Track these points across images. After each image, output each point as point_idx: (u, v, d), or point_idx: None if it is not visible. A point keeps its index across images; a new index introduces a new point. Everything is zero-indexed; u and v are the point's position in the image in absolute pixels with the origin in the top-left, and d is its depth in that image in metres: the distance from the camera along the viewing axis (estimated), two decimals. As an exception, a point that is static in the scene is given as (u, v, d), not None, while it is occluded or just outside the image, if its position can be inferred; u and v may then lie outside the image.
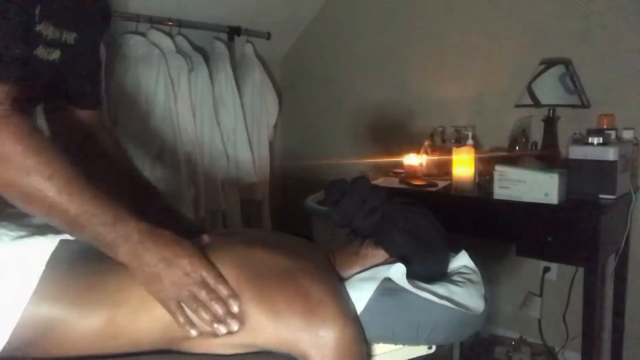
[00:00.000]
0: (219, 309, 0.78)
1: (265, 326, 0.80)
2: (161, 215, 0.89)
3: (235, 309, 0.79)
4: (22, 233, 0.78)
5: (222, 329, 0.78)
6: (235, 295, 0.79)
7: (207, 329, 0.78)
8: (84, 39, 0.89)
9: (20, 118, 0.73)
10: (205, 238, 0.87)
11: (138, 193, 1.05)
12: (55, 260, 0.76)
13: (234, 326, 0.78)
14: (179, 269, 0.78)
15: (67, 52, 0.85)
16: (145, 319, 0.78)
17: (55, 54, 0.83)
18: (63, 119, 1.01)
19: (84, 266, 0.80)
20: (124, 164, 1.09)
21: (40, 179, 0.71)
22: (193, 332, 0.78)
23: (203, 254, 0.81)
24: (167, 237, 0.79)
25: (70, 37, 0.85)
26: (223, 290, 0.79)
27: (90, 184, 0.75)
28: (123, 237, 0.76)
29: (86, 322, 0.75)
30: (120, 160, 1.08)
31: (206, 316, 0.77)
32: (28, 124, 0.73)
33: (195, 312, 0.78)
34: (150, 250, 0.77)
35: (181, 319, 0.77)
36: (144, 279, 0.77)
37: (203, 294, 0.78)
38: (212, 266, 0.80)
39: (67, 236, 0.80)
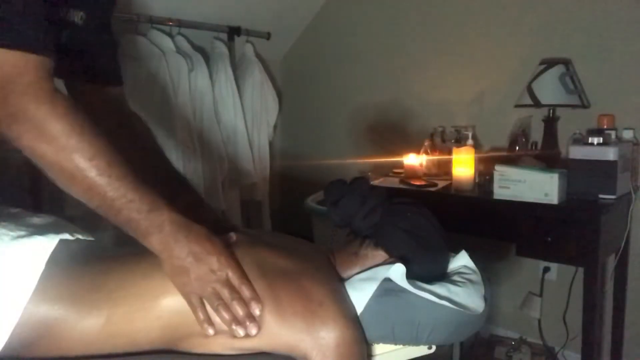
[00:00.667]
0: (239, 310, 0.77)
1: (269, 327, 0.80)
2: (191, 208, 0.89)
3: (256, 312, 0.78)
4: (22, 233, 0.78)
5: (241, 331, 0.77)
6: (257, 298, 0.79)
7: (225, 329, 0.78)
8: (92, 18, 0.89)
9: (64, 96, 0.72)
10: (233, 236, 0.87)
11: (169, 182, 1.04)
12: (55, 260, 0.76)
13: (253, 330, 0.77)
14: (206, 266, 0.77)
15: (75, 32, 0.85)
16: (142, 318, 0.78)
17: (65, 34, 0.82)
18: (90, 103, 0.97)
19: (83, 266, 0.79)
20: (156, 151, 1.08)
21: (82, 159, 0.71)
22: (210, 331, 0.77)
23: (231, 253, 0.81)
24: (198, 232, 0.79)
25: (77, 16, 0.84)
26: (246, 292, 0.78)
27: (129, 168, 0.74)
28: (156, 226, 0.76)
29: (85, 322, 0.75)
30: (152, 147, 1.07)
31: (226, 316, 0.77)
32: (71, 102, 0.73)
33: (216, 310, 0.77)
34: (181, 243, 0.77)
35: (201, 316, 0.77)
36: (171, 270, 0.77)
37: (226, 293, 0.77)
38: (238, 266, 0.80)
39: (66, 236, 0.80)
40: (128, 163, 0.75)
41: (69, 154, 0.70)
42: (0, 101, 0.69)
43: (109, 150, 0.73)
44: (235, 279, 0.79)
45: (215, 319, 0.78)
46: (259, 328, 0.78)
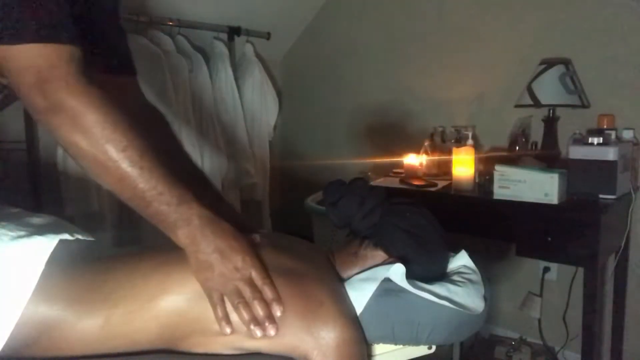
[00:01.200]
0: (260, 311, 0.77)
1: None
2: (212, 204, 0.89)
3: (277, 313, 0.78)
4: (22, 233, 0.78)
5: (259, 332, 0.77)
6: (279, 300, 0.78)
7: (243, 328, 0.77)
8: (102, 6, 0.89)
9: (97, 87, 0.73)
10: (257, 237, 0.87)
11: (192, 178, 1.03)
12: (54, 260, 0.76)
13: (272, 331, 0.77)
14: (230, 263, 0.77)
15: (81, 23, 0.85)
16: (140, 319, 0.77)
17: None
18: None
19: (82, 267, 0.79)
20: (176, 144, 1.08)
21: (115, 150, 0.71)
22: (227, 330, 0.77)
23: (256, 252, 0.81)
24: (226, 228, 0.79)
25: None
26: (268, 293, 0.78)
27: (159, 161, 0.75)
28: (185, 219, 0.76)
29: (84, 323, 0.75)
30: (171, 140, 1.07)
31: (246, 315, 0.76)
32: (103, 93, 0.73)
33: (236, 308, 0.77)
34: (208, 238, 0.77)
35: (219, 313, 0.77)
36: (195, 264, 0.77)
37: (248, 292, 0.77)
38: (262, 267, 0.80)
39: (66, 236, 0.80)
40: (158, 155, 0.75)
41: (103, 144, 0.71)
42: (37, 94, 0.70)
43: (141, 141, 0.74)
44: (258, 279, 0.78)
45: (234, 317, 0.78)
46: (278, 330, 0.78)
